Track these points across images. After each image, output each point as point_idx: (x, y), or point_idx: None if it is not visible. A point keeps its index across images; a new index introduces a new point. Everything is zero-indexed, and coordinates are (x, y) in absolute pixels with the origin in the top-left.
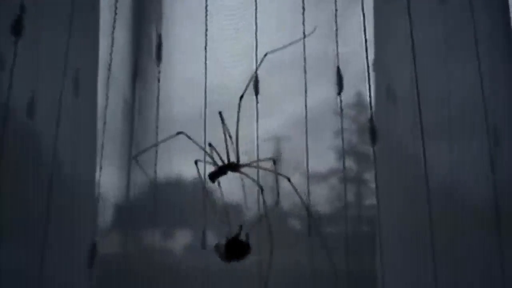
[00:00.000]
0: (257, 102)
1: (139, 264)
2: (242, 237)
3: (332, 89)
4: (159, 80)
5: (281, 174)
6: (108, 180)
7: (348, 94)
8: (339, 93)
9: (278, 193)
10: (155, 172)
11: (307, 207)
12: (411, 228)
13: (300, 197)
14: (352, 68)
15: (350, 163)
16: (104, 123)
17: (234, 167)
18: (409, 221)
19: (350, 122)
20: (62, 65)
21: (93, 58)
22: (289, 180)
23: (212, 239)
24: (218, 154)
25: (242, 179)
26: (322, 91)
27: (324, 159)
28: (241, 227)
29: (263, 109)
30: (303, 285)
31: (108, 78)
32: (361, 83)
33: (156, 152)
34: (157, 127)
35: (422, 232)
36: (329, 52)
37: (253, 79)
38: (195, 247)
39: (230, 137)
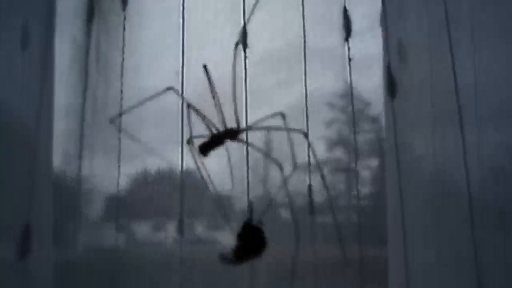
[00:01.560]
0: (245, 57)
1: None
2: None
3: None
4: (124, 29)
5: (295, 130)
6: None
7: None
8: (346, 39)
9: (293, 156)
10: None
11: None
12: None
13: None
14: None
15: None
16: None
17: (233, 134)
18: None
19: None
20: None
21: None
22: (306, 136)
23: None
24: (210, 121)
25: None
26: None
27: None
28: (250, 207)
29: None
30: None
31: None
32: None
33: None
34: (121, 91)
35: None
36: None
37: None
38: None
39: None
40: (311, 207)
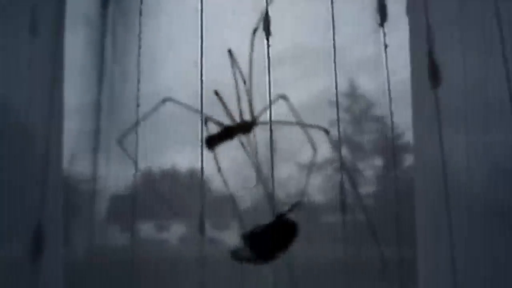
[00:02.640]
0: (268, 46)
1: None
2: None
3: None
4: (141, 13)
5: (318, 126)
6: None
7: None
8: (381, 24)
9: (315, 150)
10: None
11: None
12: None
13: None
14: None
15: None
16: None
17: (247, 127)
18: None
19: None
20: None
21: None
22: (327, 132)
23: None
24: (227, 108)
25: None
26: None
27: None
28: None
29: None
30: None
31: None
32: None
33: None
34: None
35: None
36: None
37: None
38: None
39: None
40: (343, 205)
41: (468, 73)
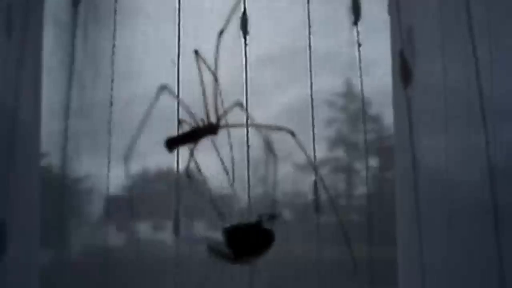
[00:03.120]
0: (245, 45)
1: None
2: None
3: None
4: (115, 12)
5: (283, 128)
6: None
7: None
8: (355, 23)
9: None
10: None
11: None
12: None
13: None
14: None
15: None
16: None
17: (213, 129)
18: None
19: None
20: None
21: None
22: (293, 134)
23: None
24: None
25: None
26: None
27: None
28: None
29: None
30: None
31: None
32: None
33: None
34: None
35: None
36: None
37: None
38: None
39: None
40: (317, 205)
41: (440, 74)
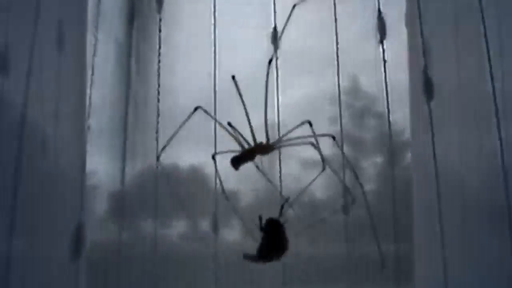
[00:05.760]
0: (276, 58)
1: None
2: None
3: None
4: (160, 30)
5: (325, 135)
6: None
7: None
8: (381, 41)
9: (323, 160)
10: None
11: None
12: None
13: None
14: None
15: None
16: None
17: (264, 148)
18: None
19: None
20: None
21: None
22: (334, 138)
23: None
24: (241, 135)
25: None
26: None
27: None
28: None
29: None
30: None
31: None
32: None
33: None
34: (158, 95)
35: None
36: None
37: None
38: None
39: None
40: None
41: (460, 87)
